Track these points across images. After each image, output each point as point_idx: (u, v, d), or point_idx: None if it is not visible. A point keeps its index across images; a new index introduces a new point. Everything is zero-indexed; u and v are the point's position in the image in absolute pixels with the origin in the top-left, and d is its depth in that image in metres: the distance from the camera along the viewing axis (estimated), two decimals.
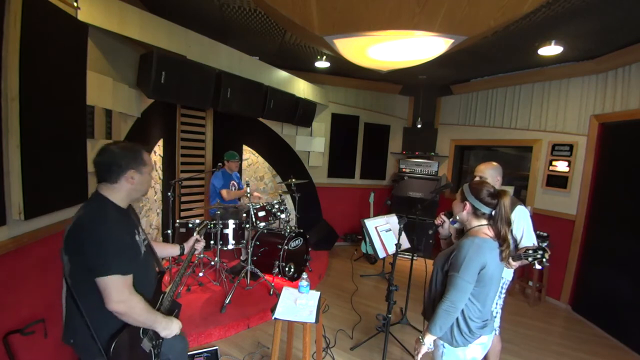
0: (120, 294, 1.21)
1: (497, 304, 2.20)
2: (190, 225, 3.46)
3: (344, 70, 4.89)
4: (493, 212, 1.51)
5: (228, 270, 3.86)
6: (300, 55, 4.29)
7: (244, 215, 3.66)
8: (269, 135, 5.26)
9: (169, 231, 3.51)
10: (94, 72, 2.30)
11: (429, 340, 1.53)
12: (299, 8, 2.21)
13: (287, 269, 3.64)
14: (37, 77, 1.64)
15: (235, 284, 3.34)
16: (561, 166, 3.96)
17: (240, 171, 4.86)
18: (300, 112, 4.73)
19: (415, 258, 3.38)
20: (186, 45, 2.97)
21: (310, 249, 4.13)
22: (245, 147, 5.24)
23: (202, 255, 3.78)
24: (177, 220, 3.58)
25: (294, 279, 3.74)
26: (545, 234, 3.82)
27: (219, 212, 3.43)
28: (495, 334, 2.25)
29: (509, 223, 1.52)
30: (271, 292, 3.45)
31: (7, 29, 1.47)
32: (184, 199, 4.68)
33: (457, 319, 1.48)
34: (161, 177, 4.18)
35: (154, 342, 1.42)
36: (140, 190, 1.40)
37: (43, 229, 1.79)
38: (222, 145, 4.70)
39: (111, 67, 2.59)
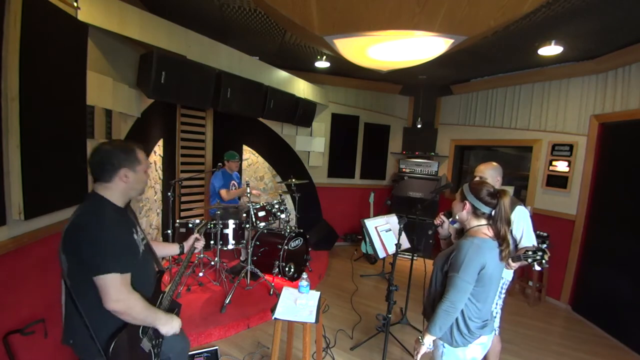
0: (118, 293, 1.20)
1: (497, 304, 2.20)
2: (190, 226, 3.46)
3: (344, 70, 4.89)
4: (493, 212, 1.51)
5: (228, 270, 3.86)
6: (300, 55, 4.29)
7: (244, 215, 3.66)
8: (269, 135, 5.26)
9: (169, 231, 3.52)
10: (94, 72, 2.30)
11: (428, 340, 1.53)
12: (299, 8, 2.21)
13: (287, 269, 3.64)
14: (37, 77, 1.64)
15: (235, 284, 3.34)
16: (561, 166, 3.96)
17: (240, 171, 4.86)
18: (300, 112, 4.73)
19: (415, 258, 3.38)
20: (186, 45, 2.98)
21: (310, 249, 4.13)
22: (245, 147, 5.24)
23: (202, 255, 3.79)
24: (177, 221, 3.58)
25: (294, 279, 3.74)
26: (545, 234, 3.82)
27: (219, 212, 3.43)
28: (495, 334, 2.25)
29: (508, 223, 1.52)
30: (271, 292, 3.45)
31: (7, 29, 1.47)
32: (184, 199, 4.68)
33: (456, 319, 1.48)
34: (161, 177, 4.18)
35: (153, 342, 1.41)
36: (136, 188, 1.39)
37: (43, 229, 1.79)
38: (222, 145, 4.70)
39: (111, 67, 2.59)
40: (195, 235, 1.83)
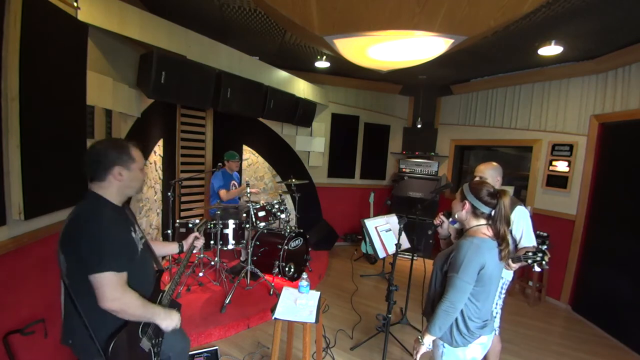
0: (113, 292, 1.19)
1: (497, 304, 2.20)
2: (190, 225, 3.46)
3: (344, 70, 4.89)
4: (492, 212, 1.51)
5: (228, 270, 3.86)
6: (300, 55, 4.29)
7: (244, 215, 3.66)
8: (269, 135, 5.26)
9: (169, 231, 3.52)
10: (94, 72, 2.30)
11: (428, 340, 1.53)
12: (299, 8, 2.21)
13: (287, 269, 3.64)
14: (37, 77, 1.64)
15: (235, 284, 3.34)
16: (561, 166, 3.96)
17: (240, 171, 4.86)
18: (300, 112, 4.73)
19: (415, 258, 3.38)
20: (186, 45, 2.98)
21: (310, 249, 4.13)
22: (245, 147, 5.24)
23: (202, 255, 3.79)
24: (177, 220, 3.58)
25: (294, 279, 3.74)
26: (545, 234, 3.82)
27: (219, 212, 3.43)
28: (495, 334, 2.25)
29: (508, 223, 1.52)
30: (271, 292, 3.45)
31: (7, 29, 1.47)
32: (184, 199, 4.68)
33: (456, 319, 1.48)
34: (161, 177, 4.19)
35: (153, 341, 1.41)
36: (132, 187, 1.38)
37: (43, 229, 1.79)
38: (222, 145, 4.70)
39: (111, 67, 2.60)
40: (195, 233, 1.83)
